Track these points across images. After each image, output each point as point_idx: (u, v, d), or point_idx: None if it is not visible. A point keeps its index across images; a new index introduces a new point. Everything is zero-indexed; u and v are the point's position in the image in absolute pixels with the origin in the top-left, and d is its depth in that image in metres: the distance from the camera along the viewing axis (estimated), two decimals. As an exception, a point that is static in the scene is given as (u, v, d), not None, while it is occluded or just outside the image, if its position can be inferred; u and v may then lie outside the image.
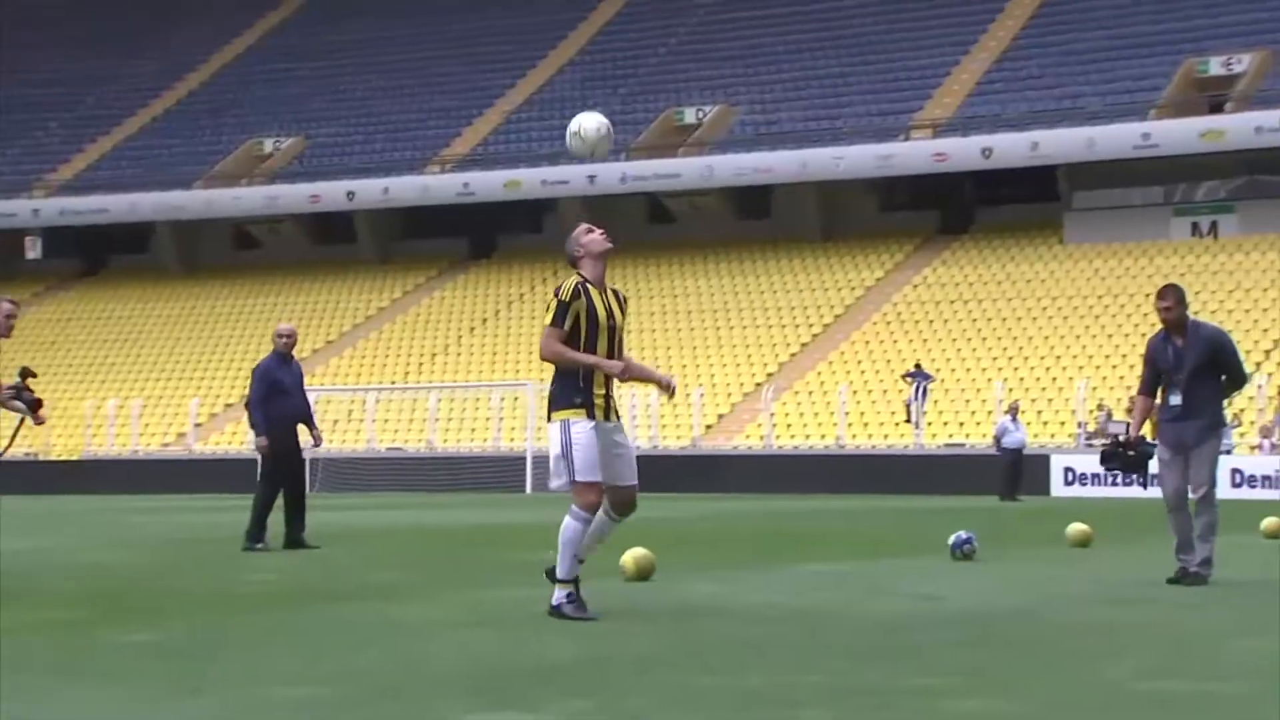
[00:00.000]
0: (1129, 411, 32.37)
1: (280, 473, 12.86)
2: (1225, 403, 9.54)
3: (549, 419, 7.17)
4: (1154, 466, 9.54)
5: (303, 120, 54.03)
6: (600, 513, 7.05)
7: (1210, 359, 9.13)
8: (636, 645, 6.27)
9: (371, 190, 47.39)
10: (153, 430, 41.88)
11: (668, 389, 7.26)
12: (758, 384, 38.18)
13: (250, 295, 48.83)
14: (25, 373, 9.53)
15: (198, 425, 41.29)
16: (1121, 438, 9.73)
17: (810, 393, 37.20)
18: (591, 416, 7.01)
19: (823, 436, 35.52)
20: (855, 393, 36.49)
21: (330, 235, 50.18)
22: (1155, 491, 9.39)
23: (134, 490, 34.62)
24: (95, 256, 53.00)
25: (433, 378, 41.93)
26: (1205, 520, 9.07)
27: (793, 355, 39.70)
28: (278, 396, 12.88)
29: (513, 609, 7.72)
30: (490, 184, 45.92)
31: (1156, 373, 9.26)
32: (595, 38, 54.85)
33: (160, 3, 63.25)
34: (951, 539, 11.18)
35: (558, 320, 6.98)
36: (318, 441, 13.40)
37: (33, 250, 50.46)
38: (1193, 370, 9.06)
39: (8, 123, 56.04)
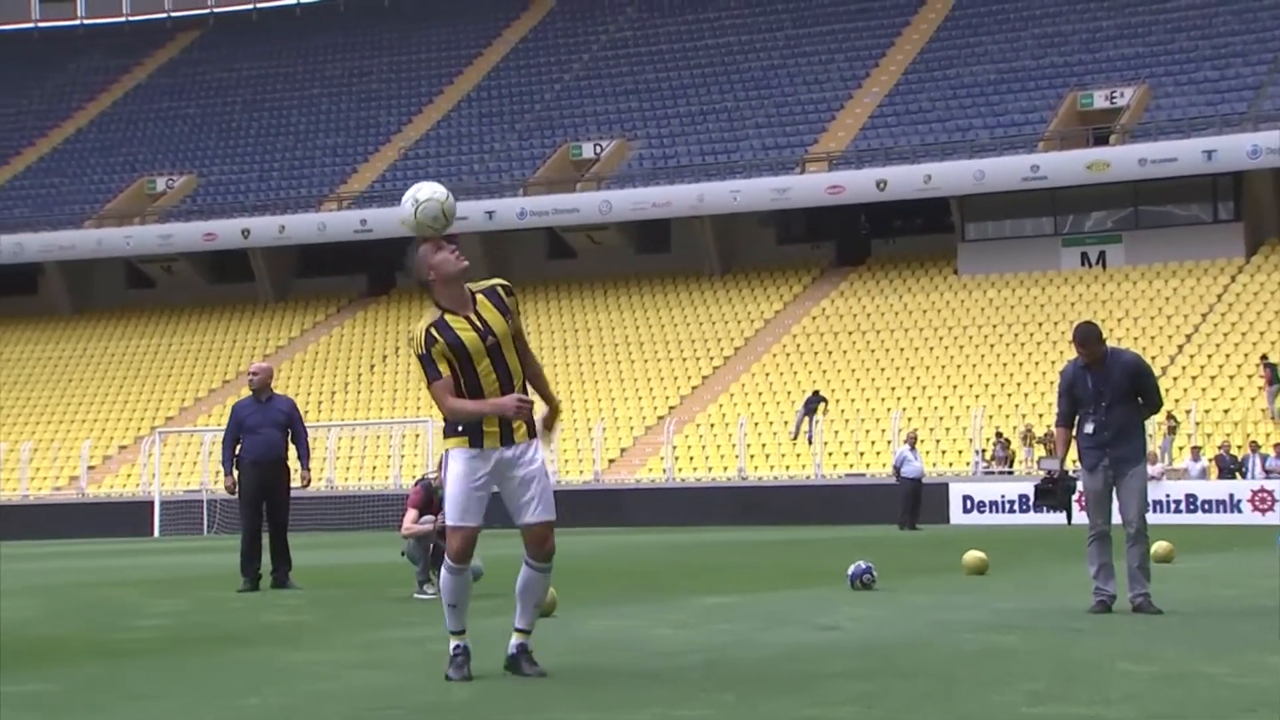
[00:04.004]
0: (1028, 440, 32.92)
1: (254, 512, 12.79)
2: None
3: None
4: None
5: (194, 158, 53.50)
6: (523, 565, 6.42)
7: (1131, 386, 9.18)
8: (532, 683, 6.24)
9: (267, 228, 46.97)
10: (44, 474, 41.06)
11: (547, 424, 6.48)
12: (659, 417, 38.28)
13: (144, 335, 48.13)
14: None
15: (90, 468, 40.55)
16: (1055, 473, 9.66)
17: (711, 425, 37.35)
18: (477, 444, 6.26)
19: (725, 469, 35.68)
20: (756, 424, 36.70)
21: (226, 274, 49.61)
22: (1048, 519, 9.51)
23: (24, 536, 33.83)
24: (-18, 298, 52.05)
25: (332, 416, 41.54)
26: (1142, 550, 9.11)
27: (694, 388, 39.85)
28: (245, 436, 12.85)
29: (407, 650, 7.65)
30: (387, 220, 45.57)
31: (1074, 403, 9.27)
32: (490, 73, 54.89)
33: (42, 42, 62.43)
34: (850, 569, 11.26)
35: (429, 374, 6.25)
36: (303, 481, 13.09)
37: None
38: (1115, 397, 9.12)
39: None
